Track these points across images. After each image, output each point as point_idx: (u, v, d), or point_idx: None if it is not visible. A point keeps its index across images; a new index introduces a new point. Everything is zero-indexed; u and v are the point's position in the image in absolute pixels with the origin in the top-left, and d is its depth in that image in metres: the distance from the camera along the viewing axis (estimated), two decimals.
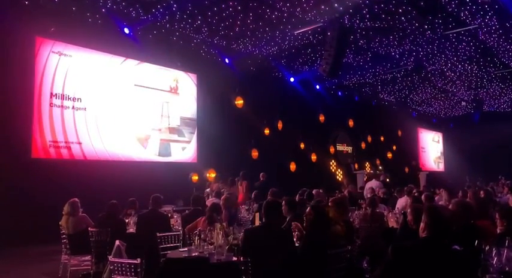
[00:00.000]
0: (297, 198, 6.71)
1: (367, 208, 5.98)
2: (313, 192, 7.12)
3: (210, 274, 3.53)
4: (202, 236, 4.14)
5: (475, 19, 11.19)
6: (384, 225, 5.87)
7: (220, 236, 3.97)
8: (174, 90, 12.47)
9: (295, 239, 4.15)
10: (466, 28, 11.77)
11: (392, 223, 6.11)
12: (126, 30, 10.81)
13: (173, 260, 3.78)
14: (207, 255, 3.75)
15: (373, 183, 11.14)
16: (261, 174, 11.13)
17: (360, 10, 10.62)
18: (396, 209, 7.48)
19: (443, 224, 2.66)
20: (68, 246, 6.33)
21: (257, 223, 4.99)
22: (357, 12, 10.71)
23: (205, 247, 3.99)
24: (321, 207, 4.47)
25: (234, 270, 3.49)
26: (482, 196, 6.65)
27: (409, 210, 3.77)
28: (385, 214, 6.43)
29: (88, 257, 6.36)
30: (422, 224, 2.72)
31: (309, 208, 4.19)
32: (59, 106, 9.74)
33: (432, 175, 19.46)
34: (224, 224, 4.31)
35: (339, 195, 7.71)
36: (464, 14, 10.88)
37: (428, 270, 2.45)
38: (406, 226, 5.03)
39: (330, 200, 4.72)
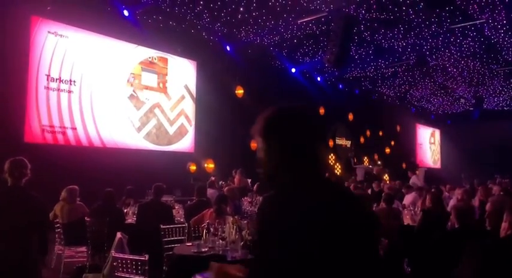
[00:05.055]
0: None
1: (383, 203, 5.70)
2: None
3: None
4: (211, 230, 3.83)
5: (483, 13, 10.94)
6: (401, 222, 5.61)
7: (233, 230, 3.65)
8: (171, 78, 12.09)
9: None
10: (473, 22, 11.52)
11: (407, 220, 5.85)
12: (126, 13, 10.39)
13: (185, 257, 3.45)
14: (221, 252, 3.43)
15: None
16: None
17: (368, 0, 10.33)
18: (403, 205, 7.24)
19: None
20: (62, 236, 5.99)
21: None
22: (363, 2, 10.41)
23: (216, 243, 3.67)
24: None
25: None
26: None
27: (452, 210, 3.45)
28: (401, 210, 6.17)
29: (83, 249, 6.03)
30: (504, 224, 2.48)
31: None
32: (54, 90, 9.34)
33: (429, 172, 19.31)
34: (237, 217, 3.99)
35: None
36: (472, 7, 10.62)
37: None
38: (426, 223, 4.79)
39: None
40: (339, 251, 1.24)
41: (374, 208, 6.01)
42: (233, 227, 3.69)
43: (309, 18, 11.40)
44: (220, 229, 3.83)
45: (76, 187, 6.14)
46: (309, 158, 1.36)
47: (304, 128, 1.40)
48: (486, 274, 2.36)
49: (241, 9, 10.72)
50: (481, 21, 11.41)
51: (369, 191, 9.35)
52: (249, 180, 10.21)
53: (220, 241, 3.69)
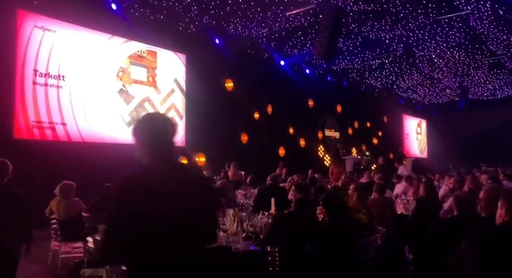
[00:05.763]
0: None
1: (375, 193, 5.78)
2: (316, 176, 6.91)
3: (232, 264, 3.25)
4: None
5: (468, 4, 11.09)
6: (394, 211, 5.72)
7: (234, 223, 3.70)
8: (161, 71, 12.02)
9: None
10: (459, 13, 11.68)
11: (400, 209, 5.97)
12: (114, 6, 10.29)
13: None
14: (224, 243, 3.48)
15: None
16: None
17: None
18: (395, 195, 7.35)
19: None
20: (58, 232, 5.97)
21: (272, 208, 4.75)
22: None
23: (217, 235, 3.71)
24: (335, 195, 4.23)
25: (258, 260, 3.24)
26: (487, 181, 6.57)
27: (451, 198, 3.55)
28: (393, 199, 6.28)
29: (80, 244, 6.02)
30: (500, 211, 2.56)
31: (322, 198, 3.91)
32: (42, 85, 9.23)
33: (416, 162, 19.60)
34: (237, 210, 4.04)
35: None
36: None
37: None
38: (419, 212, 4.90)
39: (352, 186, 4.49)
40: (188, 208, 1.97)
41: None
42: (234, 220, 3.74)
43: (297, 11, 11.42)
44: (220, 222, 3.88)
45: (72, 182, 6.11)
46: (158, 149, 2.08)
47: (151, 130, 2.11)
48: (485, 261, 2.44)
49: (230, 1, 10.70)
50: (467, 12, 11.55)
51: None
52: (243, 173, 10.25)
53: (222, 233, 3.73)
